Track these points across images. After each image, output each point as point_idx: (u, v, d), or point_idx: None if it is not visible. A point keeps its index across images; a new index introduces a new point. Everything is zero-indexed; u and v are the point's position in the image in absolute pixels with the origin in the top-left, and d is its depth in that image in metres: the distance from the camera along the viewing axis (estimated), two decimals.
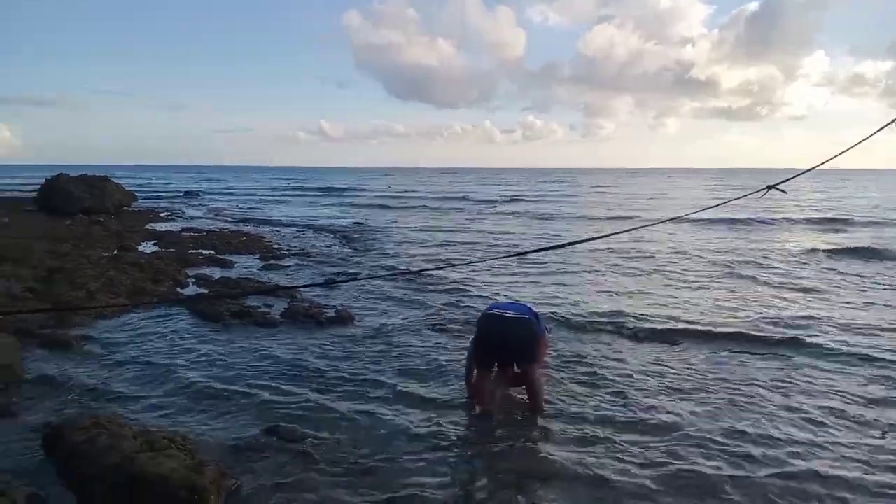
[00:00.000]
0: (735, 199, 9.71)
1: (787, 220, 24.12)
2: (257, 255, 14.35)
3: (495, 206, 34.98)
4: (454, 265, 12.62)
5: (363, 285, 10.38)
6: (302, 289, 9.74)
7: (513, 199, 40.58)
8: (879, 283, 11.15)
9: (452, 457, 4.49)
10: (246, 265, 12.99)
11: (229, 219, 26.23)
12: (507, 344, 5.30)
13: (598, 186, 63.92)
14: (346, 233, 20.30)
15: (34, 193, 27.13)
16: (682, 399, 5.58)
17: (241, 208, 33.70)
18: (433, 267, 12.64)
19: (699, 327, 7.97)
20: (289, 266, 12.92)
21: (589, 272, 12.30)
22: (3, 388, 5.53)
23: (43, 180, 25.59)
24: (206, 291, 10.16)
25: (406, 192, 53.13)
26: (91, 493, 3.75)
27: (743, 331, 7.76)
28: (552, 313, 8.47)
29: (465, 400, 5.50)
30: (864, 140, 8.93)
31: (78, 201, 23.57)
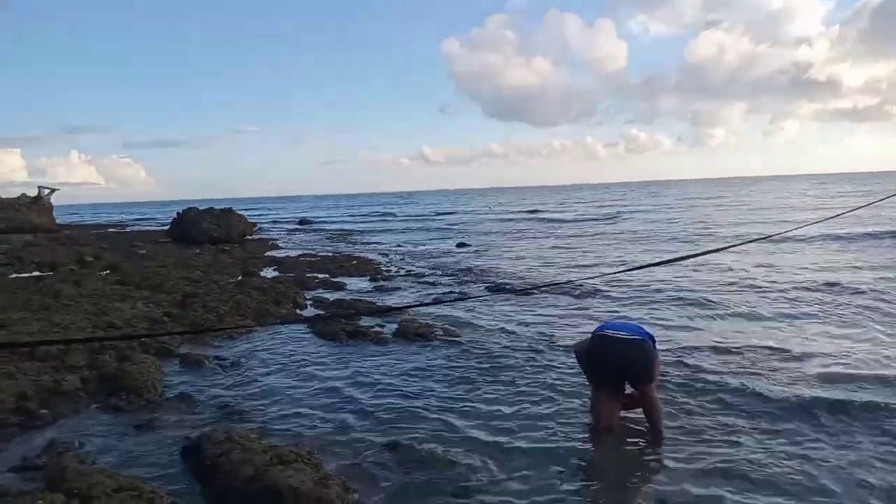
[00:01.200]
0: (880, 199, 8.84)
1: None
2: (367, 277, 14.81)
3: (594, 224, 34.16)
4: (557, 284, 12.36)
5: (472, 306, 10.42)
6: (412, 308, 9.92)
7: (608, 217, 39.44)
8: None
9: (591, 484, 4.33)
10: (358, 287, 13.44)
11: (341, 243, 27.45)
12: (621, 365, 5.10)
13: (711, 198, 60.78)
14: (451, 253, 20.57)
15: (167, 227, 29.81)
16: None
17: (348, 231, 35.20)
18: (540, 284, 12.48)
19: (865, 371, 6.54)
20: (398, 287, 13.24)
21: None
22: (145, 404, 6.00)
23: (174, 214, 28.03)
24: (322, 312, 10.60)
25: (506, 211, 53.37)
26: (227, 502, 3.96)
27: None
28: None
29: (581, 420, 5.33)
30: None
31: (206, 232, 25.55)
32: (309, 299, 11.70)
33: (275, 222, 51.00)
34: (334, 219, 56.20)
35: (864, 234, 19.36)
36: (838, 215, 8.92)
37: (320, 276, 14.99)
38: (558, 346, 7.78)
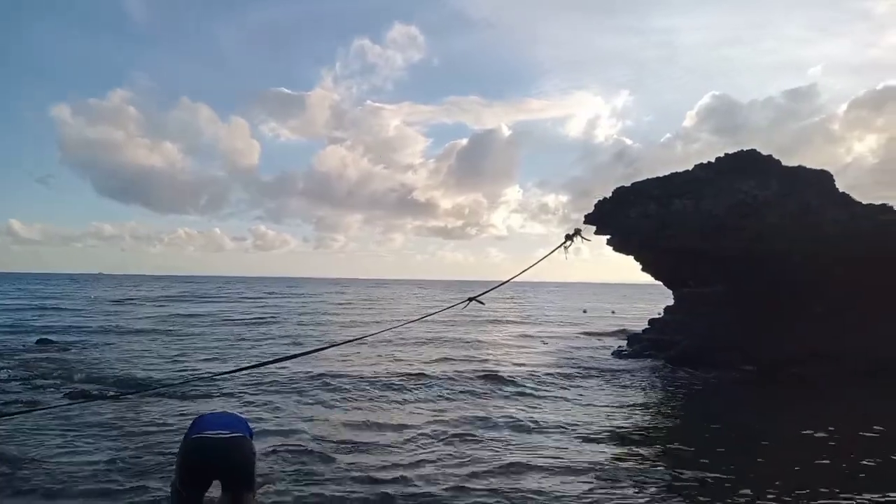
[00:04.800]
0: (447, 307, 10.90)
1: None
2: None
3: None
4: (168, 385, 11.30)
5: (43, 422, 8.63)
6: None
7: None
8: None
9: None
10: None
11: None
12: (222, 470, 4.70)
13: (340, 293, 65.00)
14: (29, 349, 16.94)
15: None
16: None
17: None
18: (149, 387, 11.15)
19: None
20: None
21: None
22: None
23: None
24: None
25: (128, 298, 47.49)
26: None
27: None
28: None
29: None
30: (541, 260, 10.87)
31: None
32: None
33: None
34: None
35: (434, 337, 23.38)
36: (415, 320, 10.59)
37: None
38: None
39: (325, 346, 7.74)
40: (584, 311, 44.76)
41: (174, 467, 4.92)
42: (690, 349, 16.63)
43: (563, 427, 9.17)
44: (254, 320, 29.59)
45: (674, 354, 16.99)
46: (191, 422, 5.18)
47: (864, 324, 14.34)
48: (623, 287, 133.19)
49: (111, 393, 11.13)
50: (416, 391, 11.81)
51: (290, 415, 9.63)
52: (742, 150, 16.26)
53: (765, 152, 16.11)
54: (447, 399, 11.25)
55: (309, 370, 13.61)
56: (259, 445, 6.95)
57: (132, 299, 48.61)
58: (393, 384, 12.41)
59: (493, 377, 13.57)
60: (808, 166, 15.93)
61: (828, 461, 7.78)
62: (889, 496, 6.53)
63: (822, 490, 6.64)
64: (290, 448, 7.63)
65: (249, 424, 5.29)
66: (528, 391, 12.14)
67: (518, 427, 9.13)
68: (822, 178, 15.76)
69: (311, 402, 10.55)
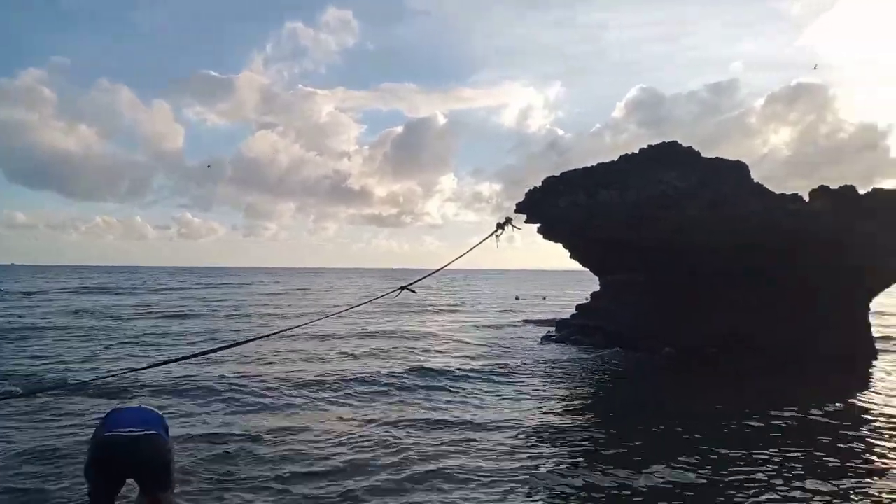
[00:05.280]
0: (378, 297, 10.79)
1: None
2: None
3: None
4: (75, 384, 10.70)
5: None
6: None
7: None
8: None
9: None
10: None
11: None
12: (134, 468, 4.48)
13: (263, 284, 63.43)
14: None
15: None
16: None
17: None
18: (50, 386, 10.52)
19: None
20: None
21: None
22: None
23: None
24: None
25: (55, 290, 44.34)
26: None
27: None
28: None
29: None
30: (473, 248, 10.95)
31: None
32: None
33: None
34: None
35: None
36: (346, 309, 10.40)
37: None
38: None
39: (250, 339, 7.46)
40: (517, 298, 45.58)
41: (84, 466, 4.69)
42: (614, 335, 17.21)
43: (490, 423, 9.03)
44: (177, 313, 28.43)
45: (598, 340, 17.56)
46: (102, 418, 4.92)
47: (779, 311, 15.22)
48: (555, 274, 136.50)
49: (19, 392, 10.45)
50: (344, 389, 11.42)
51: (210, 413, 9.32)
52: (664, 143, 16.87)
53: (688, 144, 16.79)
54: (374, 397, 10.89)
55: (231, 367, 13.20)
56: (178, 443, 6.73)
57: (45, 291, 45.82)
58: (318, 381, 11.98)
59: (423, 371, 13.33)
60: (727, 158, 16.72)
61: (741, 447, 8.27)
62: (795, 482, 6.99)
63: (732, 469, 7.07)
64: (211, 447, 7.39)
65: (166, 420, 5.09)
66: (457, 386, 11.93)
67: (448, 424, 8.92)
68: (739, 170, 16.56)
69: (231, 401, 10.15)
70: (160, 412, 5.23)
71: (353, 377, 12.40)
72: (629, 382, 13.47)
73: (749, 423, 9.24)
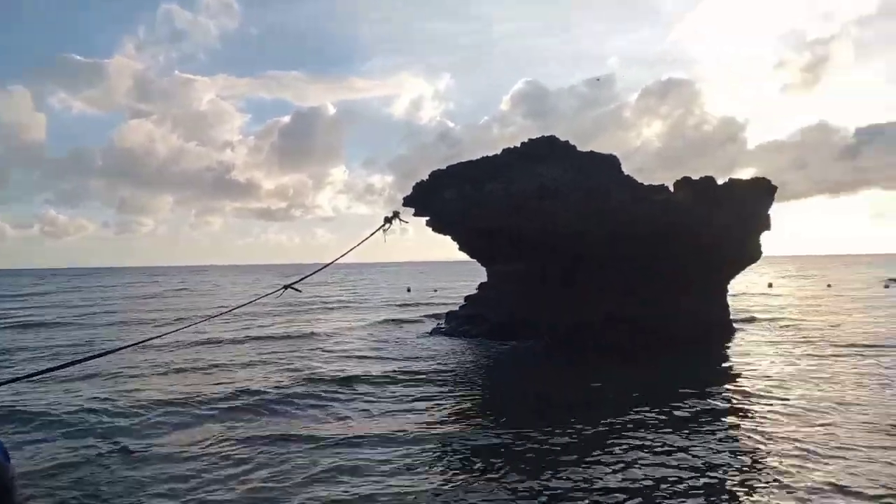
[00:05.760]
0: (259, 298, 10.27)
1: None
2: None
3: None
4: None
5: None
6: None
7: None
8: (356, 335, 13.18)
9: None
10: None
11: None
12: None
13: (133, 286, 59.19)
14: None
15: None
16: None
17: None
18: None
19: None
20: None
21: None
22: None
23: None
24: None
25: None
26: None
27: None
28: None
29: None
30: (360, 243, 10.70)
31: None
32: None
33: None
34: None
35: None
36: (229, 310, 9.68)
37: None
38: None
39: (108, 351, 6.72)
40: (409, 290, 45.75)
41: None
42: (500, 323, 17.69)
43: (374, 438, 8.38)
44: (35, 322, 25.81)
45: (486, 329, 17.96)
46: None
47: (650, 294, 16.26)
48: (449, 265, 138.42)
49: None
50: (221, 404, 10.37)
51: (63, 438, 8.41)
52: (542, 137, 17.50)
53: (571, 137, 17.54)
54: (256, 411, 10.00)
55: (92, 382, 12.08)
56: (23, 472, 6.07)
57: None
58: (192, 396, 10.83)
59: (308, 380, 12.28)
60: (605, 150, 17.64)
61: (611, 419, 8.75)
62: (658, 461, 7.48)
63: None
64: (53, 481, 6.66)
65: (4, 444, 4.54)
66: (344, 394, 11.16)
67: (332, 441, 8.22)
68: (611, 162, 17.51)
69: (87, 420, 9.20)
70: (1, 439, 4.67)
71: (233, 390, 11.25)
72: (512, 373, 13.82)
73: (621, 415, 9.78)
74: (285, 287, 9.07)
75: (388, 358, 15.41)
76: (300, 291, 9.79)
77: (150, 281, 74.39)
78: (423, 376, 12.78)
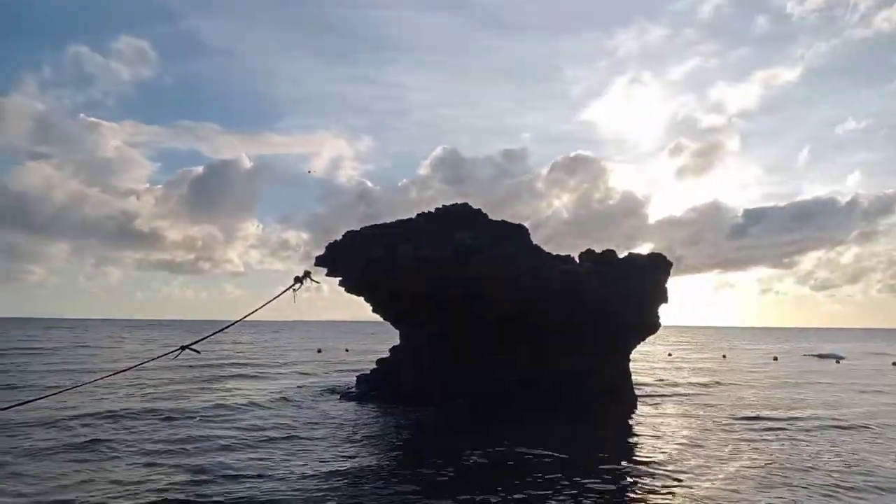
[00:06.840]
0: (151, 359, 9.57)
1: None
2: None
3: None
4: None
5: None
6: None
7: None
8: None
9: None
10: None
11: None
12: None
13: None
14: None
15: None
16: None
17: None
18: None
19: None
20: None
21: None
22: None
23: None
24: None
25: None
26: None
27: None
28: None
29: None
30: (268, 303, 10.34)
31: None
32: None
33: None
34: None
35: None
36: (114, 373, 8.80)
37: None
38: None
39: None
40: (319, 351, 44.47)
41: None
42: (410, 390, 17.46)
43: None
44: None
45: (395, 395, 17.66)
46: None
47: (557, 359, 16.66)
48: (364, 324, 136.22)
49: None
50: None
51: None
52: (456, 203, 17.96)
53: (488, 203, 18.11)
54: None
55: None
56: None
57: None
58: None
59: (197, 474, 9.94)
60: (520, 217, 18.60)
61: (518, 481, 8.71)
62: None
63: None
64: None
65: None
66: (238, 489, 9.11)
67: None
68: (520, 231, 18.14)
69: None
70: None
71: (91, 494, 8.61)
72: (417, 433, 13.61)
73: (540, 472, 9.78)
74: (182, 348, 8.45)
75: (292, 431, 13.90)
76: (199, 353, 9.21)
77: (25, 336, 66.30)
78: (326, 441, 12.26)
